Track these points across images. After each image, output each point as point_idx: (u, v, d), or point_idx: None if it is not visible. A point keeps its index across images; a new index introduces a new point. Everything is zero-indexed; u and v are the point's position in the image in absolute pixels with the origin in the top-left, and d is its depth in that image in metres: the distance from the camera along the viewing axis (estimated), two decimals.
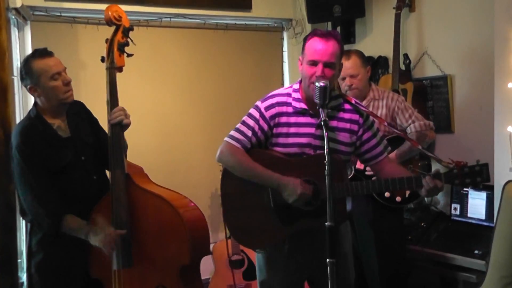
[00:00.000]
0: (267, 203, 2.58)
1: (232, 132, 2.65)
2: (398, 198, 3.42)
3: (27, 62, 2.68)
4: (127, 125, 2.70)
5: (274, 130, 2.60)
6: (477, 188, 3.52)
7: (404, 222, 3.77)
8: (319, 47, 2.50)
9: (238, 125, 2.65)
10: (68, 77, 2.71)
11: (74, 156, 2.71)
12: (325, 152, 2.22)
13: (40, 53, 2.69)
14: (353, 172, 3.43)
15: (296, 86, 2.65)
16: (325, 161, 2.21)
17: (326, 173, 2.21)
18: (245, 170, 2.59)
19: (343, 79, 3.44)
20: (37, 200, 2.62)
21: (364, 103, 3.49)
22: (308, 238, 2.60)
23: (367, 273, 3.55)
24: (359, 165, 3.39)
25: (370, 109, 3.44)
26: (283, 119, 2.60)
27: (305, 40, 2.58)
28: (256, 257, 2.77)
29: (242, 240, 2.76)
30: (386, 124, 2.88)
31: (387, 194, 3.40)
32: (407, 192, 3.40)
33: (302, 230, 2.57)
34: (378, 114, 3.47)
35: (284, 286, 2.68)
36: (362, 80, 3.49)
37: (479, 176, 2.37)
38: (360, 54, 3.56)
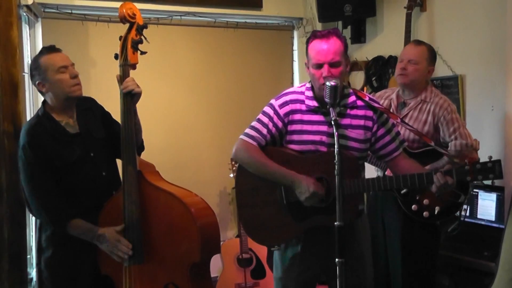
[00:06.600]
0: (280, 200, 2.59)
1: (247, 130, 2.66)
2: (425, 214, 3.13)
3: (35, 60, 2.70)
4: (138, 95, 2.67)
5: (289, 127, 2.61)
6: (487, 189, 3.51)
7: None
8: (320, 48, 2.49)
9: (253, 123, 2.66)
10: (76, 71, 2.71)
11: (83, 152, 2.72)
12: (335, 152, 2.22)
13: (47, 49, 2.72)
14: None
15: (309, 84, 2.66)
16: (335, 161, 2.21)
17: (336, 172, 2.22)
18: (259, 167, 2.60)
19: (401, 61, 3.26)
20: (42, 206, 2.64)
21: (412, 103, 3.28)
22: (322, 236, 2.58)
23: (392, 281, 3.41)
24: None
25: (417, 111, 3.26)
26: (297, 117, 2.60)
27: (307, 43, 2.58)
28: (273, 254, 2.78)
29: (255, 236, 2.75)
30: (399, 120, 2.78)
31: (414, 207, 3.15)
32: (436, 209, 3.12)
33: (315, 228, 2.57)
34: (422, 118, 3.25)
35: (299, 283, 2.68)
36: (419, 72, 3.22)
37: (491, 172, 2.33)
38: (431, 49, 3.32)
